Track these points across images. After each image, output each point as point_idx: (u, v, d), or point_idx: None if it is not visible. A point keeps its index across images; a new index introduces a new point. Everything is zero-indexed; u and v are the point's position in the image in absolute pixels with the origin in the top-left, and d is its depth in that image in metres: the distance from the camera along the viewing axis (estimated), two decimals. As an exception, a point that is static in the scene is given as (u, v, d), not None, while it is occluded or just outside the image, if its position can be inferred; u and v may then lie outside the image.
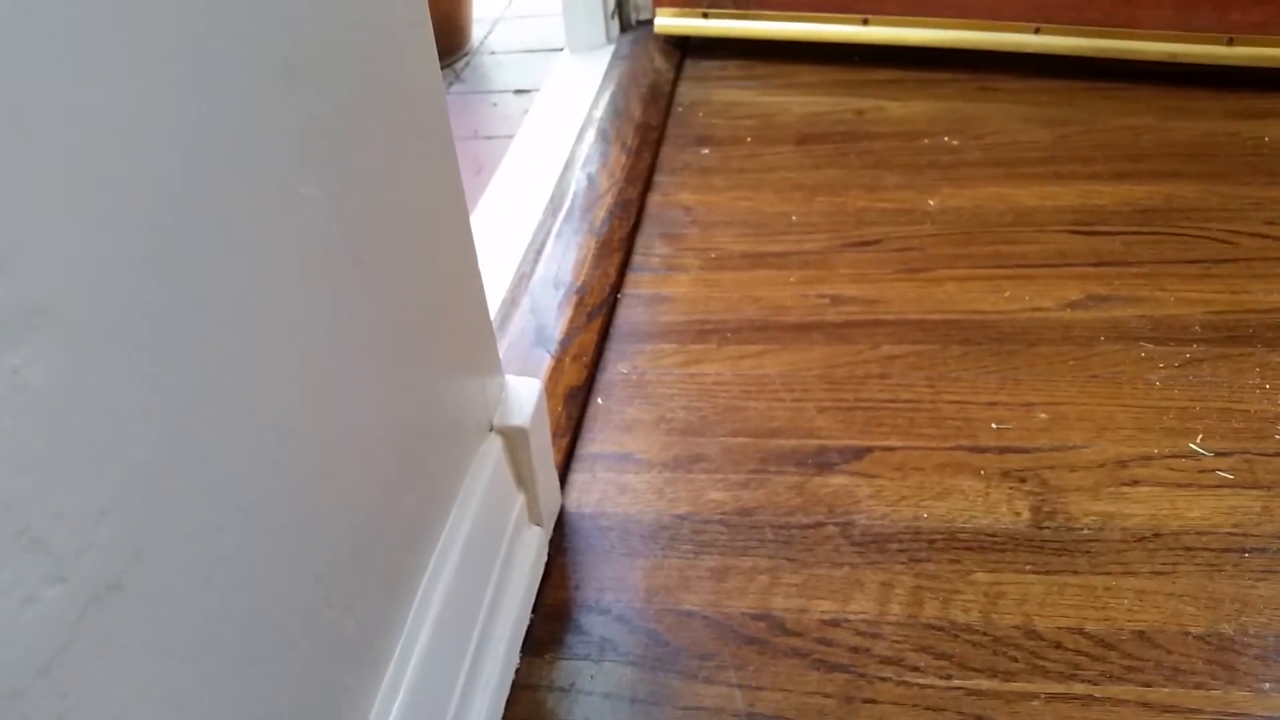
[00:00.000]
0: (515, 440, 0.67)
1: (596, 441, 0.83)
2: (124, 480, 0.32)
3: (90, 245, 0.30)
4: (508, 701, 0.63)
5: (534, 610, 0.69)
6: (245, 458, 0.39)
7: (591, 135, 1.24)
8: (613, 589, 0.70)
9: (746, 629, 0.67)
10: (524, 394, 0.69)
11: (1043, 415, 0.82)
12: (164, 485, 0.34)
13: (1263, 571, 0.68)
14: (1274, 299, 0.91)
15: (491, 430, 0.66)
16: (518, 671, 0.65)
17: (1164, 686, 0.62)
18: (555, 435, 0.80)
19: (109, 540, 0.32)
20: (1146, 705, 0.61)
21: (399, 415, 0.53)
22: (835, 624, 0.67)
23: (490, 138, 1.44)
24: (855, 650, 0.65)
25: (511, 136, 1.32)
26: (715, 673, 0.64)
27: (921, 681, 0.63)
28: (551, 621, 0.69)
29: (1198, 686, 0.62)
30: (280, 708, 0.44)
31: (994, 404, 0.83)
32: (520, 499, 0.69)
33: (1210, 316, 0.90)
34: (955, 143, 1.19)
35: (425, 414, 0.57)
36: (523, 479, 0.69)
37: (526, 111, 1.38)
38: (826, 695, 0.62)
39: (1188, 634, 0.65)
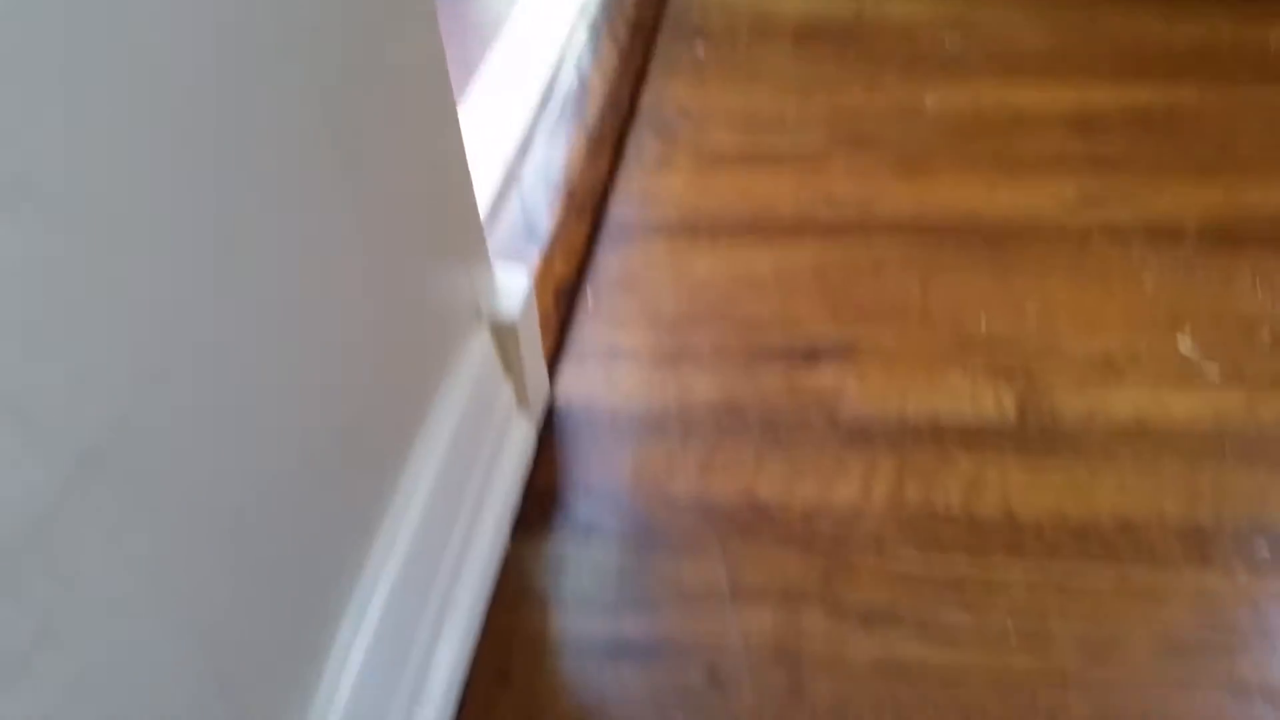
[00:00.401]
0: (504, 328, 0.67)
1: (586, 336, 0.83)
2: (107, 352, 0.32)
3: (71, 116, 0.29)
4: (498, 576, 0.64)
5: (523, 494, 0.70)
6: (233, 335, 0.39)
7: (584, 31, 1.21)
8: (601, 475, 0.71)
9: (731, 512, 0.68)
10: (512, 284, 0.68)
11: (1033, 313, 0.82)
12: (149, 358, 0.34)
13: (1243, 466, 0.69)
14: (1271, 203, 0.91)
15: (480, 318, 0.66)
16: (507, 548, 0.66)
17: (1140, 570, 0.63)
18: (544, 330, 0.80)
19: (93, 411, 0.32)
20: (1122, 587, 0.62)
21: (388, 297, 0.53)
22: (818, 508, 0.68)
23: (479, 32, 1.41)
24: (837, 532, 0.66)
25: (501, 30, 1.29)
26: (700, 553, 0.66)
27: (900, 563, 0.64)
28: (540, 504, 0.70)
29: (1172, 570, 0.63)
30: (271, 576, 0.44)
31: (985, 301, 0.83)
32: (509, 386, 0.69)
33: (1206, 219, 0.90)
34: (954, 42, 1.17)
35: (414, 297, 0.56)
36: (511, 366, 0.69)
37: (516, 5, 1.35)
38: (808, 573, 0.64)
39: (1166, 522, 0.66)
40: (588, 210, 0.94)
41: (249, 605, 0.43)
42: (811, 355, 0.79)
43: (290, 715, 0.46)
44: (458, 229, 0.62)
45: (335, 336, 0.48)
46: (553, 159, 1.00)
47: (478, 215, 0.66)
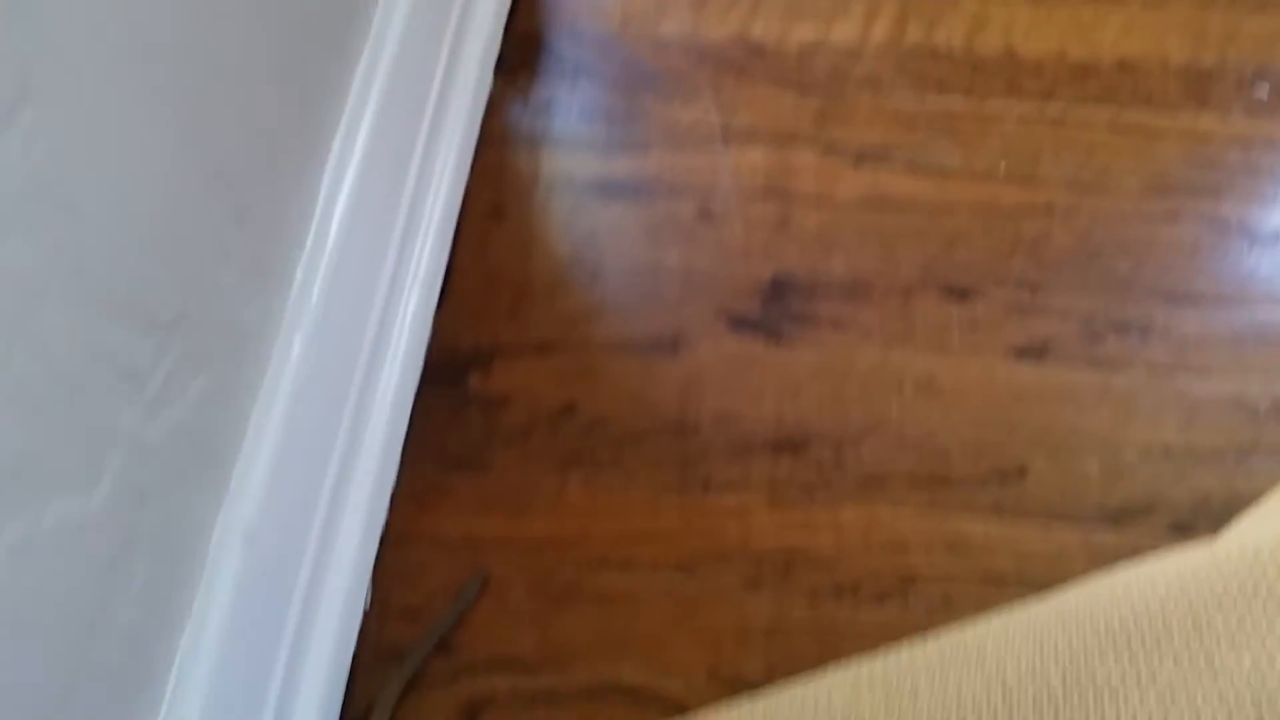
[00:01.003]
0: None
1: None
2: None
3: None
4: (484, 118, 0.63)
5: (505, 36, 0.66)
6: None
7: None
8: (587, 16, 0.67)
9: (725, 53, 0.65)
10: None
11: None
12: None
13: (1254, 8, 0.66)
14: None
15: None
16: (491, 90, 0.64)
17: (1136, 110, 0.62)
18: None
19: None
20: (1116, 127, 0.62)
21: None
22: (815, 48, 0.65)
23: None
24: (833, 72, 0.64)
25: None
26: (692, 94, 0.64)
27: (896, 101, 0.63)
28: (524, 46, 0.66)
29: (1168, 111, 0.62)
30: (253, 80, 0.42)
31: None
32: (485, -87, 0.64)
33: None
34: None
35: None
36: (486, -110, 0.63)
37: None
38: (801, 113, 0.62)
39: (1168, 63, 0.64)
40: None
41: (236, 107, 0.42)
42: (813, -110, 0.73)
43: (292, 224, 0.46)
44: None
45: None
46: None
47: None
